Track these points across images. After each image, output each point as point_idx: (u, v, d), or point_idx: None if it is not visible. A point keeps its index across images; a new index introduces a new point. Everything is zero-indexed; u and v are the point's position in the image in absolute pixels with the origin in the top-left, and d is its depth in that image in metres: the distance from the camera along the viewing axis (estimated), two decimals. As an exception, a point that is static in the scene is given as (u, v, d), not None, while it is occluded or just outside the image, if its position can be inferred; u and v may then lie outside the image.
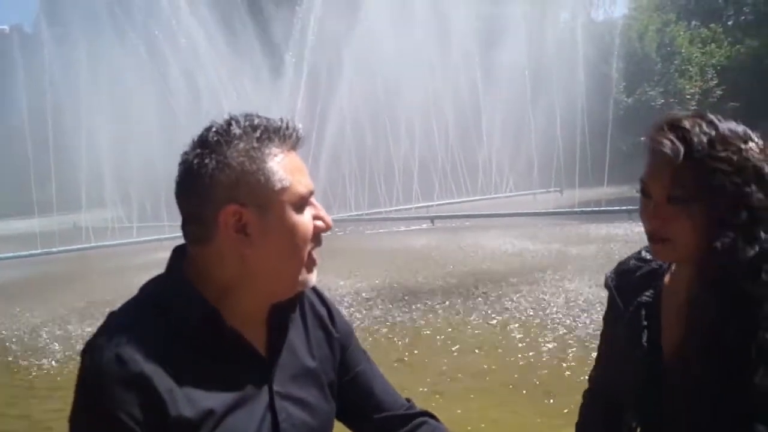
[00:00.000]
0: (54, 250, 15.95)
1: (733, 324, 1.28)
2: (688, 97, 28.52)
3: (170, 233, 16.11)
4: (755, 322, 1.27)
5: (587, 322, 6.00)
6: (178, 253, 1.24)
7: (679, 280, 1.43)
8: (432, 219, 15.95)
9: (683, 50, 28.70)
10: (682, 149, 1.29)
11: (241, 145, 1.15)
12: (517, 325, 6.20)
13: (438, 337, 6.05)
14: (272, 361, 1.26)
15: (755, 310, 1.27)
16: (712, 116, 1.34)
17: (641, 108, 25.24)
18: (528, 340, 5.73)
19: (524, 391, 4.51)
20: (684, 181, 1.29)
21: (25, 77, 19.48)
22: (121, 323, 1.17)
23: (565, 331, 5.87)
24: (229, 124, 1.17)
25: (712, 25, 30.51)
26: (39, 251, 15.89)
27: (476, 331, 6.11)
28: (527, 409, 4.18)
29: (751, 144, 1.30)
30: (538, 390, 4.50)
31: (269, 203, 1.17)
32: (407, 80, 19.44)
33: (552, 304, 6.78)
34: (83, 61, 18.88)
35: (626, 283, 1.55)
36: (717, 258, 1.28)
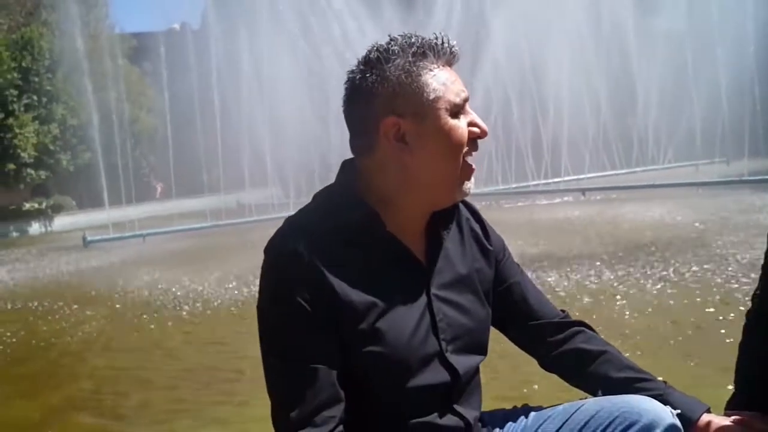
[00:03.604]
0: (221, 223, 17.39)
1: None
2: None
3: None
4: None
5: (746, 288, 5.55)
6: (346, 165, 1.36)
7: None
8: (583, 191, 15.45)
9: None
10: None
11: (399, 60, 1.25)
12: (671, 290, 5.85)
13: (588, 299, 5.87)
14: (430, 267, 1.34)
15: None
16: None
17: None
18: (685, 303, 5.40)
19: (675, 348, 4.29)
20: None
21: (195, 70, 21.28)
22: (296, 224, 1.31)
23: (724, 296, 5.46)
24: (388, 43, 1.27)
25: None
26: (208, 224, 17.39)
27: (629, 294, 5.86)
28: (679, 365, 3.97)
29: None
30: (687, 348, 4.27)
31: (425, 112, 1.25)
32: (555, 52, 18.87)
33: (713, 273, 6.30)
34: (245, 53, 20.27)
35: None
36: None
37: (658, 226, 9.79)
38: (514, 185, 18.97)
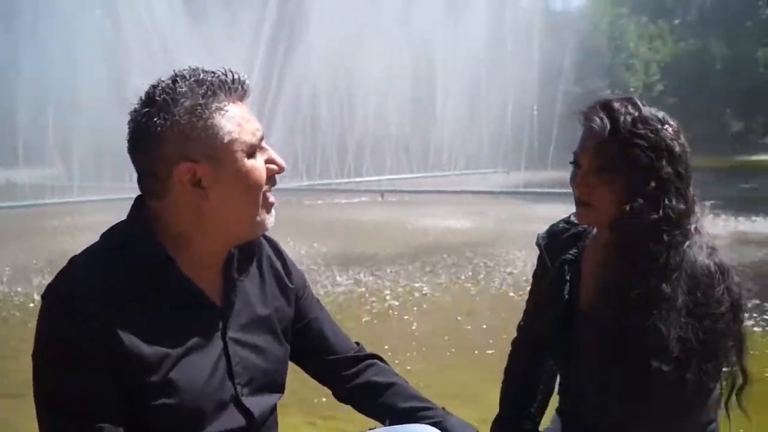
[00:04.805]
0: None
1: (636, 276, 1.48)
2: (632, 89, 29.50)
3: (114, 194, 15.77)
4: (654, 274, 1.47)
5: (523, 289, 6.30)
6: (138, 202, 1.29)
7: (598, 242, 1.64)
8: (382, 192, 16.12)
9: (631, 45, 29.65)
10: (608, 125, 1.49)
11: (188, 102, 1.18)
12: (456, 291, 6.43)
13: (381, 302, 6.12)
14: (226, 310, 1.32)
15: (654, 265, 1.47)
16: (637, 100, 1.55)
17: (588, 99, 25.88)
18: (468, 305, 5.94)
19: (455, 350, 4.71)
20: (608, 153, 1.50)
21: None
22: (83, 267, 1.22)
23: (500, 296, 6.17)
24: (174, 81, 1.19)
25: (660, 22, 31.60)
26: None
27: (418, 297, 6.24)
28: (462, 367, 4.34)
29: (666, 126, 1.52)
30: (472, 350, 4.68)
31: (220, 156, 1.20)
32: (367, 54, 19.47)
33: (491, 275, 7.05)
34: (29, 11, 18.02)
35: (554, 242, 1.76)
36: (627, 220, 1.48)
37: (446, 231, 10.44)
38: (317, 182, 19.19)
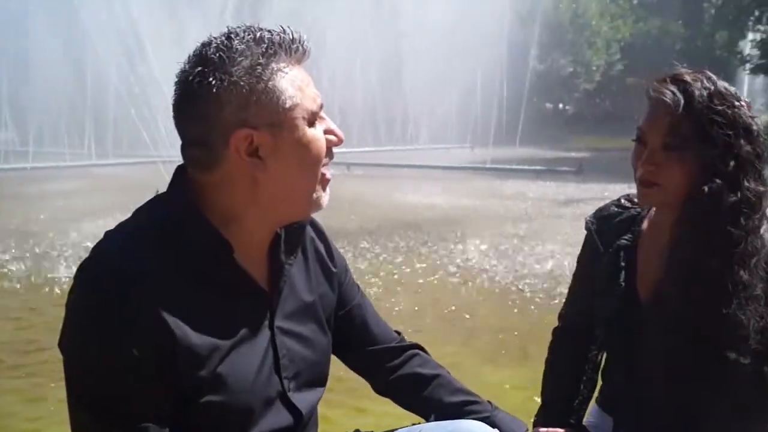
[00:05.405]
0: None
1: (713, 262, 1.41)
2: (594, 68, 29.94)
3: (71, 161, 15.21)
4: (732, 260, 1.40)
5: (498, 269, 6.32)
6: (180, 174, 1.16)
7: (660, 225, 1.55)
8: (348, 165, 15.98)
9: (594, 22, 29.91)
10: (682, 100, 1.40)
11: (246, 61, 1.07)
12: (428, 269, 6.36)
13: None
14: (274, 296, 1.23)
15: (733, 250, 1.40)
16: (710, 74, 1.46)
17: (551, 75, 26.26)
18: (438, 283, 5.92)
19: (442, 330, 4.68)
20: (681, 129, 1.41)
21: None
22: (123, 246, 1.10)
23: (473, 275, 6.13)
24: (229, 38, 1.08)
25: (621, 1, 31.94)
26: None
27: (388, 275, 6.18)
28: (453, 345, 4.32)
29: (742, 102, 1.43)
30: (455, 330, 4.67)
31: (281, 122, 1.10)
32: (335, 24, 19.13)
33: (462, 253, 7.01)
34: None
35: (606, 226, 1.66)
36: (703, 201, 1.40)
37: (421, 206, 10.33)
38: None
